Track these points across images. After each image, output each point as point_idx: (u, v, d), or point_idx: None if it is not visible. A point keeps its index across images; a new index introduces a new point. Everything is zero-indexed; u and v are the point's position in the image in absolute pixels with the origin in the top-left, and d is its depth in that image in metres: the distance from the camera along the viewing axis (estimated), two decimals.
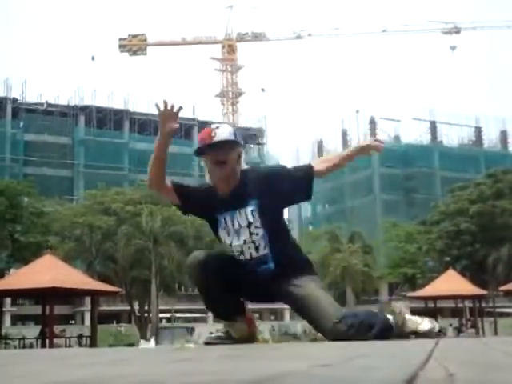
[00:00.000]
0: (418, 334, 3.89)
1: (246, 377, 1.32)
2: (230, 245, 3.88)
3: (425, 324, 4.00)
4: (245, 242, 3.84)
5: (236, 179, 3.86)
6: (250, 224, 3.84)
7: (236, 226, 3.86)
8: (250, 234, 3.85)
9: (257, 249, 3.85)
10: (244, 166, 3.90)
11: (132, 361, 2.36)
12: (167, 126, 3.72)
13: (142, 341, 25.64)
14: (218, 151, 3.75)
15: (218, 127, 3.83)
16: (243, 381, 1.23)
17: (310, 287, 3.80)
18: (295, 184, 3.86)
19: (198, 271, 3.82)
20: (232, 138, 3.79)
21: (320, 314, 3.64)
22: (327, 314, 3.62)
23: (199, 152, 3.82)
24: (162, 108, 3.71)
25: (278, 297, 3.90)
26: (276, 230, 3.91)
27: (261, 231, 3.84)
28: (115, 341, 31.22)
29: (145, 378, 1.42)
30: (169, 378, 1.39)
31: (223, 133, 3.77)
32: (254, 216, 3.84)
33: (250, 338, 3.90)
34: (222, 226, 3.90)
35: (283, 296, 3.85)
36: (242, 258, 3.86)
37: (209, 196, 3.92)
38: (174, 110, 3.72)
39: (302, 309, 3.74)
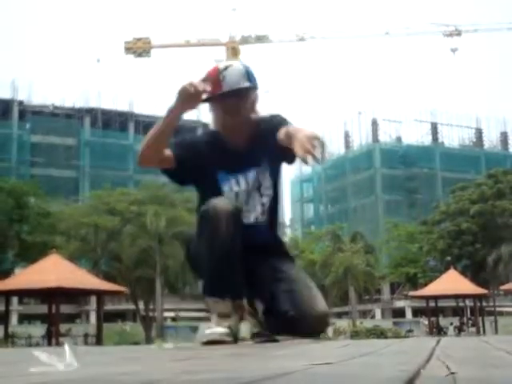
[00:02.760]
0: None
1: (248, 375, 1.31)
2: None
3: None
4: (253, 205, 3.32)
5: (251, 128, 3.31)
6: (260, 185, 3.33)
7: (247, 186, 3.31)
8: (261, 195, 3.34)
9: (263, 213, 3.33)
10: (258, 112, 3.34)
11: (136, 359, 2.34)
12: (187, 104, 3.13)
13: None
14: (229, 99, 3.18)
15: (226, 68, 3.20)
16: (245, 379, 1.21)
17: (300, 271, 3.52)
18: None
19: (226, 225, 3.00)
20: (246, 82, 3.20)
21: (311, 299, 3.24)
22: (318, 300, 3.27)
23: (207, 99, 3.21)
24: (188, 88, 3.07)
25: (260, 275, 3.27)
26: (277, 195, 3.44)
27: (270, 193, 3.36)
28: (120, 339, 31.46)
29: (149, 376, 1.41)
30: (173, 376, 1.38)
31: (234, 76, 3.17)
32: (265, 176, 3.34)
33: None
34: (229, 186, 3.30)
35: (268, 274, 3.27)
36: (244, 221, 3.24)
37: (213, 148, 3.32)
38: (200, 89, 3.08)
39: (291, 291, 3.22)
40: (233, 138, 3.30)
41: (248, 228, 3.20)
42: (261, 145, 3.27)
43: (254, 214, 3.31)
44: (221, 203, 3.05)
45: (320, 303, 3.26)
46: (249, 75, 3.23)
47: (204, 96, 3.15)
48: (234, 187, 3.31)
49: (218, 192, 3.24)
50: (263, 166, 3.32)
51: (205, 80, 3.19)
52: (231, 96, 3.17)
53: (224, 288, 3.10)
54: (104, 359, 2.46)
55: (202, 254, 3.11)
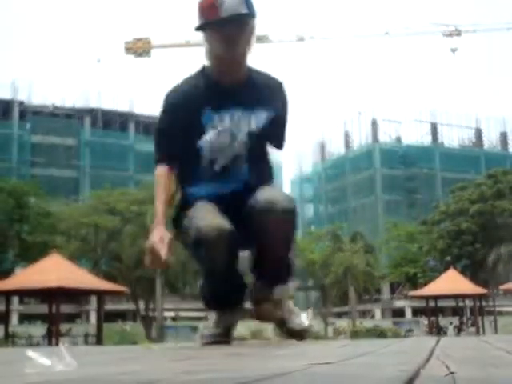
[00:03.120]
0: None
1: (249, 375, 1.31)
2: (216, 150, 3.05)
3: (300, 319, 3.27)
4: (236, 153, 3.07)
5: (245, 69, 3.07)
6: (251, 132, 3.07)
7: (235, 128, 3.04)
8: (247, 142, 3.07)
9: (243, 160, 3.09)
10: (253, 47, 3.05)
11: (136, 359, 2.33)
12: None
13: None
14: (227, 26, 2.91)
15: None
16: (246, 379, 1.21)
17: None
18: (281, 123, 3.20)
19: (224, 246, 2.83)
20: (244, 9, 2.92)
21: (273, 194, 3.00)
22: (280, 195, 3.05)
23: (200, 27, 2.98)
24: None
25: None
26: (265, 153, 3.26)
27: (256, 145, 3.12)
28: (121, 339, 31.49)
29: (149, 376, 1.42)
30: (172, 376, 1.38)
31: (233, 1, 2.89)
32: (259, 124, 3.08)
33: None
34: (212, 125, 3.04)
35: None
36: (217, 168, 3.06)
37: (201, 89, 3.06)
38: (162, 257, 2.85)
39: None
40: (226, 73, 3.04)
41: (225, 172, 3.05)
42: (257, 92, 3.07)
43: (235, 159, 3.07)
44: (211, 228, 2.81)
45: (282, 197, 3.00)
46: (247, 2, 2.94)
47: (199, 23, 2.96)
48: (217, 126, 3.03)
49: (200, 134, 3.02)
50: (255, 112, 3.06)
51: (202, 11, 2.94)
52: (229, 23, 2.89)
53: (223, 303, 3.13)
54: (104, 359, 2.45)
55: (198, 265, 3.09)
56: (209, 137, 3.02)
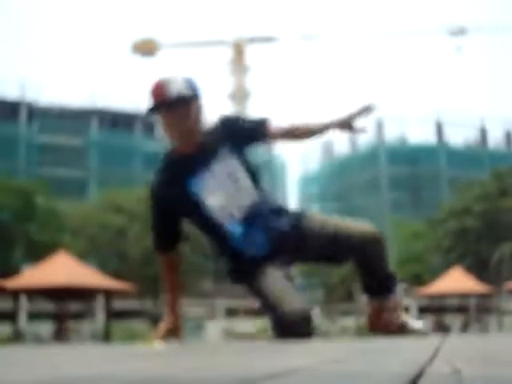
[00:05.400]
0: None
1: (258, 372, 1.31)
2: (214, 206, 3.36)
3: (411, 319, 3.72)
4: (231, 194, 3.36)
5: (200, 134, 3.39)
6: (231, 173, 3.40)
7: (217, 178, 3.37)
8: (236, 180, 3.39)
9: (248, 196, 3.40)
10: (204, 122, 3.44)
11: (144, 357, 2.34)
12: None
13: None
14: (176, 108, 3.29)
15: (170, 80, 3.33)
16: (254, 376, 1.21)
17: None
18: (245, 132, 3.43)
19: (307, 328, 3.19)
20: (188, 91, 3.33)
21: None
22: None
23: (153, 109, 3.35)
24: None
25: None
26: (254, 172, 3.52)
27: (243, 175, 3.42)
28: (128, 337, 31.60)
29: (157, 373, 1.42)
30: (180, 373, 1.38)
31: (176, 87, 3.29)
32: (232, 160, 3.40)
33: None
34: (201, 186, 3.37)
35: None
36: (231, 220, 3.36)
37: (172, 170, 3.48)
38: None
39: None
40: (184, 144, 3.38)
41: (247, 218, 3.33)
42: (214, 141, 3.38)
43: (239, 204, 3.35)
44: (293, 316, 3.14)
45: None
46: (191, 85, 3.33)
47: (151, 105, 3.32)
48: (203, 185, 3.36)
49: (196, 204, 3.35)
50: (224, 153, 3.37)
51: (154, 96, 3.30)
52: (175, 105, 3.27)
53: None
54: (112, 357, 2.46)
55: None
56: (208, 201, 3.33)
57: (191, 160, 3.37)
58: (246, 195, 3.36)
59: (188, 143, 3.37)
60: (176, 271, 3.56)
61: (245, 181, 3.39)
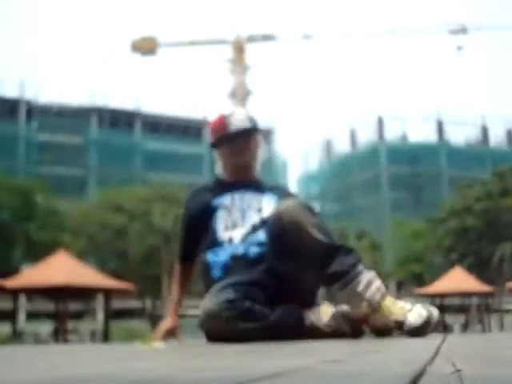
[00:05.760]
0: (402, 329, 2.93)
1: (257, 372, 1.30)
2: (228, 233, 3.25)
3: (416, 313, 2.91)
4: (252, 227, 3.22)
5: (256, 172, 3.48)
6: (260, 209, 3.30)
7: (244, 205, 3.31)
8: (261, 218, 3.25)
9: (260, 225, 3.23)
10: (260, 157, 3.51)
11: (143, 356, 2.32)
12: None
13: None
14: (236, 141, 3.37)
15: (231, 114, 3.40)
16: (254, 376, 1.20)
17: None
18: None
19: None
20: (249, 124, 3.42)
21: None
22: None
23: (214, 144, 3.44)
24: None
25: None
26: None
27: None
28: (128, 337, 31.56)
29: (156, 373, 1.42)
30: (180, 373, 1.38)
31: (239, 120, 3.38)
32: (269, 205, 3.27)
33: None
34: (224, 206, 3.32)
35: None
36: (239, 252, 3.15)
37: (213, 190, 3.44)
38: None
39: None
40: (236, 175, 3.43)
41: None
42: (266, 187, 3.45)
43: (253, 242, 3.16)
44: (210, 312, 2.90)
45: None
46: (251, 119, 3.45)
47: (213, 141, 3.42)
48: (226, 205, 3.32)
49: (212, 218, 3.29)
50: (267, 197, 3.35)
51: (214, 131, 3.40)
52: (237, 137, 3.36)
53: None
54: (112, 357, 2.45)
55: None
56: (219, 220, 3.29)
57: (231, 184, 3.42)
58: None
59: (240, 175, 3.43)
60: (188, 279, 3.66)
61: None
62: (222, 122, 3.37)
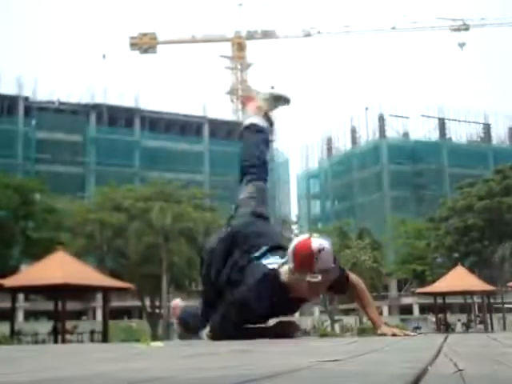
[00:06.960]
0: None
1: (257, 371, 1.32)
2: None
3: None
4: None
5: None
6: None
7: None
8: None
9: None
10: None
11: (143, 356, 2.34)
12: None
13: None
14: (320, 275, 3.57)
15: (320, 251, 3.56)
16: (254, 376, 1.21)
17: None
18: None
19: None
20: (333, 265, 3.66)
21: None
22: None
23: (298, 271, 3.62)
24: None
25: None
26: None
27: None
28: (127, 336, 31.42)
29: (157, 372, 1.42)
30: (180, 372, 1.39)
31: (327, 260, 3.58)
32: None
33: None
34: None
35: None
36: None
37: (272, 301, 3.79)
38: None
39: None
40: (304, 295, 3.76)
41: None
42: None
43: None
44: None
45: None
46: (335, 259, 3.71)
47: (293, 266, 3.61)
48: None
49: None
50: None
51: (301, 263, 3.57)
52: (319, 273, 3.56)
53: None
54: (111, 356, 2.48)
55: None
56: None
57: (289, 301, 3.85)
58: None
59: (308, 297, 3.80)
60: None
61: None
62: (311, 261, 3.52)
